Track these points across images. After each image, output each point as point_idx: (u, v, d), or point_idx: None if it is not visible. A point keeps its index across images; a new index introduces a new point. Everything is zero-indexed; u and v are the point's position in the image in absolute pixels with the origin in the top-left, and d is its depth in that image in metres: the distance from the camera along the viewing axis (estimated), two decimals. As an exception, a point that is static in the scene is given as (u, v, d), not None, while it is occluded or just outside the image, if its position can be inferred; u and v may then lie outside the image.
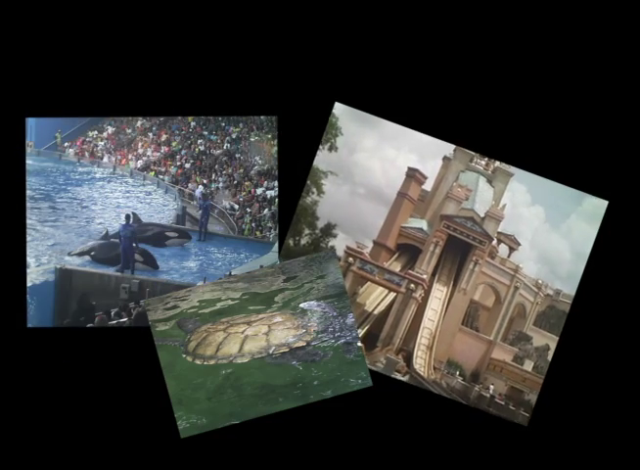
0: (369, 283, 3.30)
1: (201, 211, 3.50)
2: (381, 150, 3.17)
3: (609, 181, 3.08)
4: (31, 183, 3.19)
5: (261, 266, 3.15)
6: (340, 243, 3.17)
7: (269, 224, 3.31)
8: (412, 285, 3.32)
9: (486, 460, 2.98)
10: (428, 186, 3.35)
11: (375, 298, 3.34)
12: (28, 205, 3.14)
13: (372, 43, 3.12)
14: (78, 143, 3.62)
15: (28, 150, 3.17)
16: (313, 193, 3.14)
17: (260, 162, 3.39)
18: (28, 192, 3.15)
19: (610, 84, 3.11)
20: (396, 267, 3.35)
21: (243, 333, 2.98)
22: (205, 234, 3.55)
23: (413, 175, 3.26)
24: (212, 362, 2.93)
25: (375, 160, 3.18)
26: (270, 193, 3.32)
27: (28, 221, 3.13)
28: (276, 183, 3.21)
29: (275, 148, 3.20)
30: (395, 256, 3.38)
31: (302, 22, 3.12)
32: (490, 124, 3.11)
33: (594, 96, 3.11)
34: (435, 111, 3.11)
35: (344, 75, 3.11)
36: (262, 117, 3.23)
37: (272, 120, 3.20)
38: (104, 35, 3.13)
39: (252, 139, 3.43)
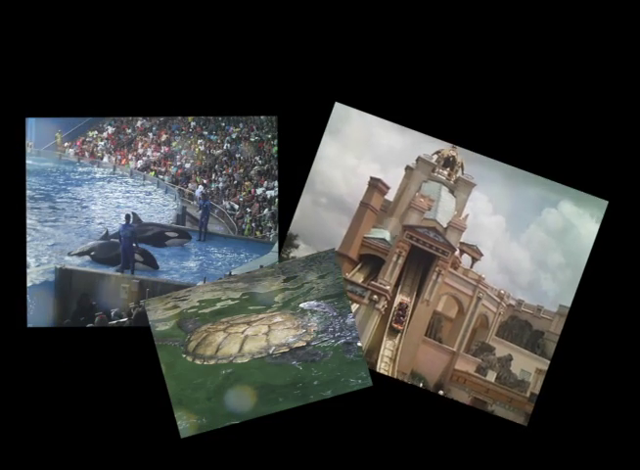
0: None
1: (201, 212, 3.51)
2: (341, 158, 3.15)
3: (609, 181, 3.08)
4: (31, 183, 3.19)
5: (261, 266, 3.15)
6: (301, 253, 3.13)
7: (269, 224, 3.31)
8: (375, 296, 3.29)
9: (486, 460, 2.98)
10: (390, 196, 3.32)
11: None
12: (28, 205, 3.14)
13: (372, 43, 3.12)
14: (78, 143, 3.62)
15: (28, 150, 3.17)
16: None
17: (260, 162, 3.39)
18: (28, 192, 3.15)
19: (609, 84, 3.11)
20: (359, 278, 3.31)
21: (243, 333, 2.98)
22: (205, 234, 3.55)
23: (376, 185, 3.24)
24: (212, 362, 2.93)
25: (336, 168, 3.16)
26: (270, 193, 3.32)
27: (28, 221, 3.13)
28: (276, 183, 3.21)
29: (275, 148, 3.20)
30: (358, 266, 3.33)
31: (302, 22, 3.12)
32: (492, 126, 3.11)
33: (594, 96, 3.11)
34: (436, 110, 3.11)
35: (344, 75, 3.11)
36: (262, 117, 3.23)
37: (272, 120, 3.20)
38: (104, 35, 3.13)
39: (252, 139, 3.43)
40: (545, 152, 3.09)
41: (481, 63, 3.12)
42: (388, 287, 3.30)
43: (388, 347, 3.20)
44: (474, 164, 3.18)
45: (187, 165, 3.57)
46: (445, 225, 3.34)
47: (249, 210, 3.43)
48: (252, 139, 3.43)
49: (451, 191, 3.39)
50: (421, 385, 3.07)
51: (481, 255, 3.21)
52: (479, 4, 3.12)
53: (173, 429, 2.86)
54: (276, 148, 3.18)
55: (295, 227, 3.12)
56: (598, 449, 2.98)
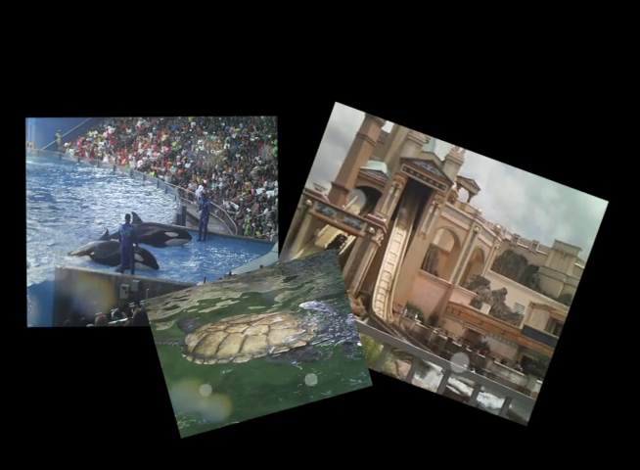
0: (328, 226, 3.27)
1: (201, 212, 3.51)
2: None
3: (609, 181, 3.08)
4: (31, 183, 3.19)
5: (261, 266, 3.15)
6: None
7: (269, 224, 3.31)
8: (371, 228, 3.30)
9: (486, 460, 2.98)
10: (387, 128, 3.26)
11: (334, 241, 3.32)
12: (28, 205, 3.14)
13: (371, 44, 3.12)
14: (78, 143, 3.62)
15: (28, 150, 3.17)
16: None
17: (260, 162, 3.40)
18: (28, 192, 3.15)
19: (609, 85, 3.11)
20: (355, 210, 3.32)
21: (243, 333, 2.98)
22: (205, 234, 3.55)
23: (372, 116, 3.20)
24: (212, 362, 2.93)
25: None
26: (270, 193, 3.32)
27: (28, 221, 3.13)
28: (276, 183, 3.21)
29: (275, 148, 3.20)
30: (354, 198, 3.35)
31: (302, 22, 3.12)
32: (493, 125, 3.11)
33: (594, 96, 3.11)
34: (436, 110, 3.11)
35: (344, 75, 3.11)
36: (262, 117, 3.23)
37: (272, 120, 3.20)
38: (103, 35, 3.13)
39: (252, 139, 3.43)
40: (546, 152, 3.09)
41: (481, 63, 3.12)
42: (384, 219, 3.29)
43: (383, 278, 3.21)
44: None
45: (187, 165, 3.57)
46: (443, 159, 3.32)
47: (249, 210, 3.43)
48: (252, 139, 3.43)
49: None
50: (416, 317, 3.08)
51: (478, 189, 3.19)
52: (478, 4, 3.13)
53: (173, 429, 2.86)
54: (276, 148, 3.18)
55: None
56: (598, 450, 2.98)
